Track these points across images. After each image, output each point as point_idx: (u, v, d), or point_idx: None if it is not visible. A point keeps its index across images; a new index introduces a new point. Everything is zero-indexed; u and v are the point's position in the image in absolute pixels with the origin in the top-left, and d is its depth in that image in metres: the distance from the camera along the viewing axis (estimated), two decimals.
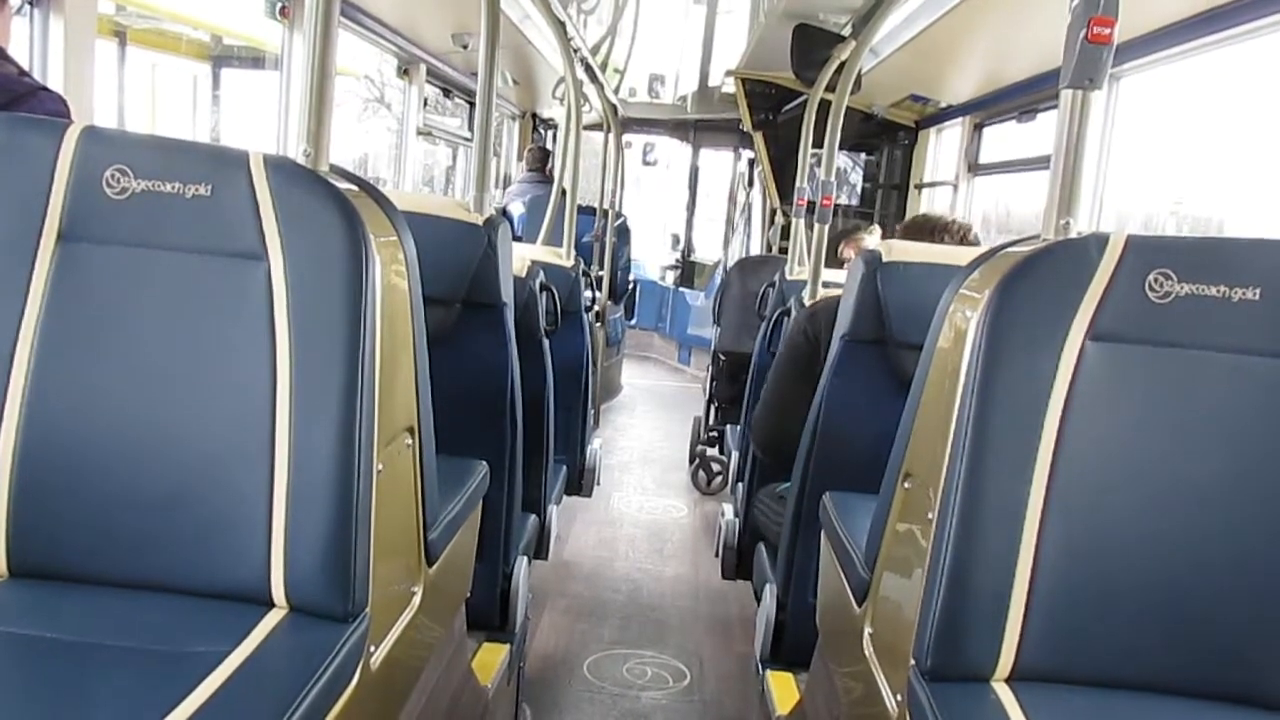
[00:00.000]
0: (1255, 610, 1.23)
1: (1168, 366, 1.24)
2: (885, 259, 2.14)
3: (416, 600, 1.53)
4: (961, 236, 2.49)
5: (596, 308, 5.64)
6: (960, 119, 5.17)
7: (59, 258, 1.29)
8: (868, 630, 1.51)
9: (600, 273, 6.02)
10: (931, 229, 2.51)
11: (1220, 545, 1.23)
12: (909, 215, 5.63)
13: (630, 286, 7.20)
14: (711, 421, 5.35)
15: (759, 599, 2.49)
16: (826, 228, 3.14)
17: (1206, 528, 1.24)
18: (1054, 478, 1.23)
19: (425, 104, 5.31)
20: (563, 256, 3.78)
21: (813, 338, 2.45)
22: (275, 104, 3.66)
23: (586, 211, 5.95)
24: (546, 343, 2.83)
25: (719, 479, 5.28)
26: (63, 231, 1.29)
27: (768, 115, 6.28)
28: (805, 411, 2.31)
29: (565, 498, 3.61)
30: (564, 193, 4.54)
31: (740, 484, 3.41)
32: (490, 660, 2.26)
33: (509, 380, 2.26)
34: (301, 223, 1.27)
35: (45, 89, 1.76)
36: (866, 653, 1.49)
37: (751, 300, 4.53)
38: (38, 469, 1.27)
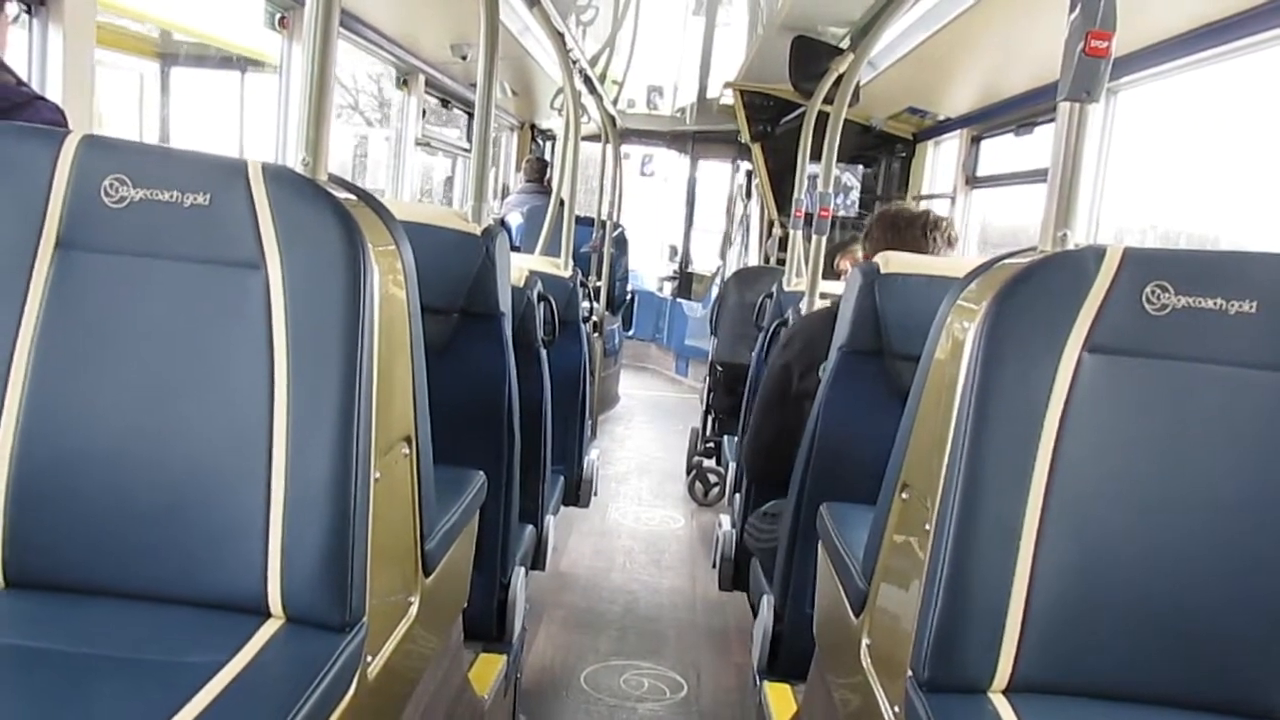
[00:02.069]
0: (1252, 622, 1.23)
1: (1164, 378, 1.24)
2: (883, 271, 2.14)
3: (414, 610, 1.53)
4: (927, 227, 2.44)
5: (594, 318, 5.64)
6: (958, 132, 5.18)
7: (57, 266, 1.29)
8: (865, 641, 1.51)
9: (598, 283, 6.03)
10: (904, 224, 2.47)
11: (1217, 557, 1.23)
12: None
13: (628, 297, 7.21)
14: (709, 432, 5.35)
15: (755, 610, 2.48)
16: (824, 239, 3.15)
17: (1204, 539, 1.24)
18: (1051, 489, 1.23)
19: (424, 115, 5.32)
20: (561, 267, 3.78)
21: (788, 362, 2.46)
22: (231, 105, 3.60)
23: (585, 222, 5.95)
24: (544, 353, 2.83)
25: (716, 490, 5.28)
26: (61, 240, 1.29)
27: (766, 127, 6.29)
28: (790, 438, 2.33)
29: (562, 508, 3.60)
30: (562, 203, 4.54)
31: (737, 495, 3.41)
32: (487, 671, 2.26)
33: (506, 390, 2.26)
34: (300, 232, 1.27)
35: (42, 98, 1.76)
36: (864, 664, 1.49)
37: (748, 311, 4.53)
38: (34, 479, 1.27)
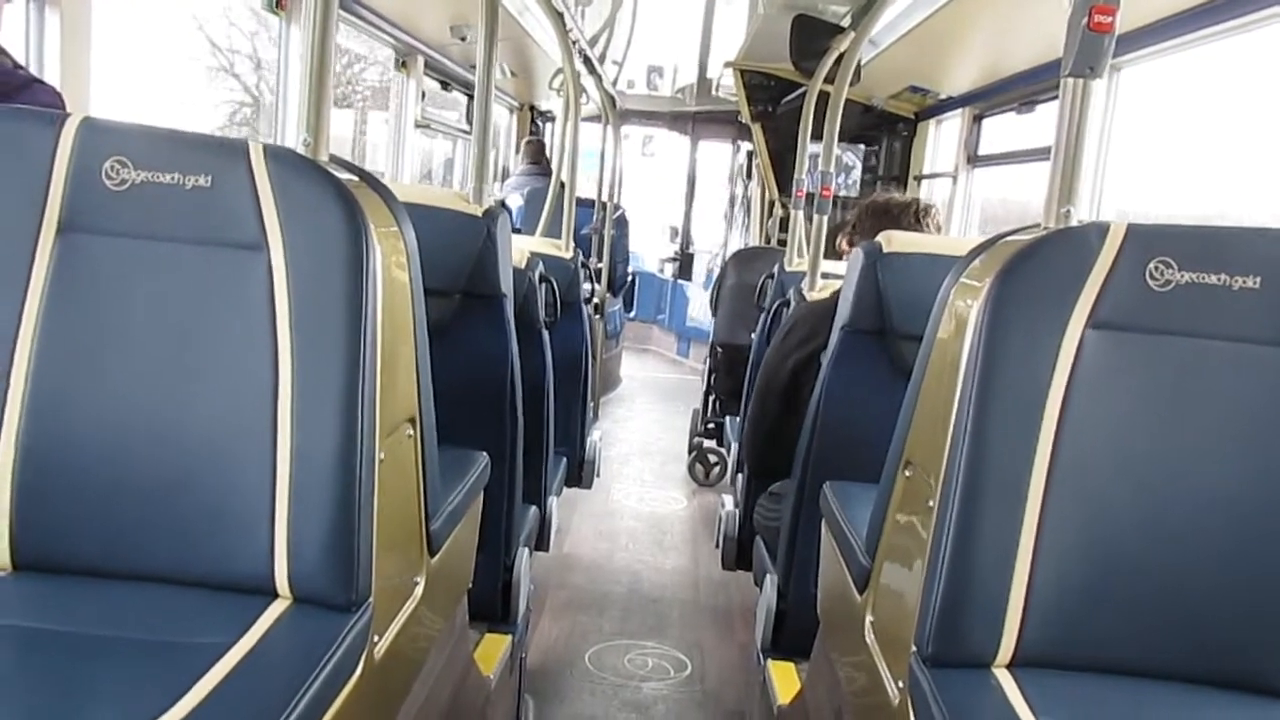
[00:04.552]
0: (1254, 597, 1.24)
1: (1168, 354, 1.25)
2: (885, 250, 2.14)
3: (419, 591, 1.54)
4: (918, 213, 2.53)
5: (596, 300, 5.63)
6: (960, 110, 5.16)
7: (59, 250, 1.28)
8: (869, 618, 1.52)
9: (599, 265, 6.02)
10: (897, 211, 2.54)
11: (1219, 532, 1.24)
12: None
13: (629, 279, 7.19)
14: (710, 413, 5.35)
15: (759, 589, 2.49)
16: (825, 219, 3.14)
17: (1206, 515, 1.24)
18: (1054, 466, 1.23)
19: (423, 97, 5.30)
20: (562, 248, 3.78)
21: (788, 353, 2.47)
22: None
23: (585, 204, 5.94)
24: (546, 334, 2.83)
25: (717, 470, 5.29)
26: (63, 223, 1.29)
27: (766, 107, 6.26)
28: (790, 429, 2.35)
29: (565, 489, 3.61)
30: (562, 185, 4.53)
31: (739, 475, 3.41)
32: (492, 651, 2.27)
33: (509, 371, 2.26)
34: (302, 213, 1.27)
35: (40, 81, 1.76)
36: (868, 640, 1.50)
37: (747, 292, 4.52)
38: (41, 462, 1.27)
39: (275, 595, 1.26)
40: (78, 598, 1.23)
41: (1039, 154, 4.14)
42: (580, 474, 3.79)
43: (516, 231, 4.47)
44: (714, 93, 7.88)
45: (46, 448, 1.27)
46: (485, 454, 1.94)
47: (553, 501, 3.04)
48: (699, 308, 8.86)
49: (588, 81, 5.64)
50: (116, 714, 1.01)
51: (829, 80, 3.62)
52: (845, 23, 4.00)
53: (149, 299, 1.28)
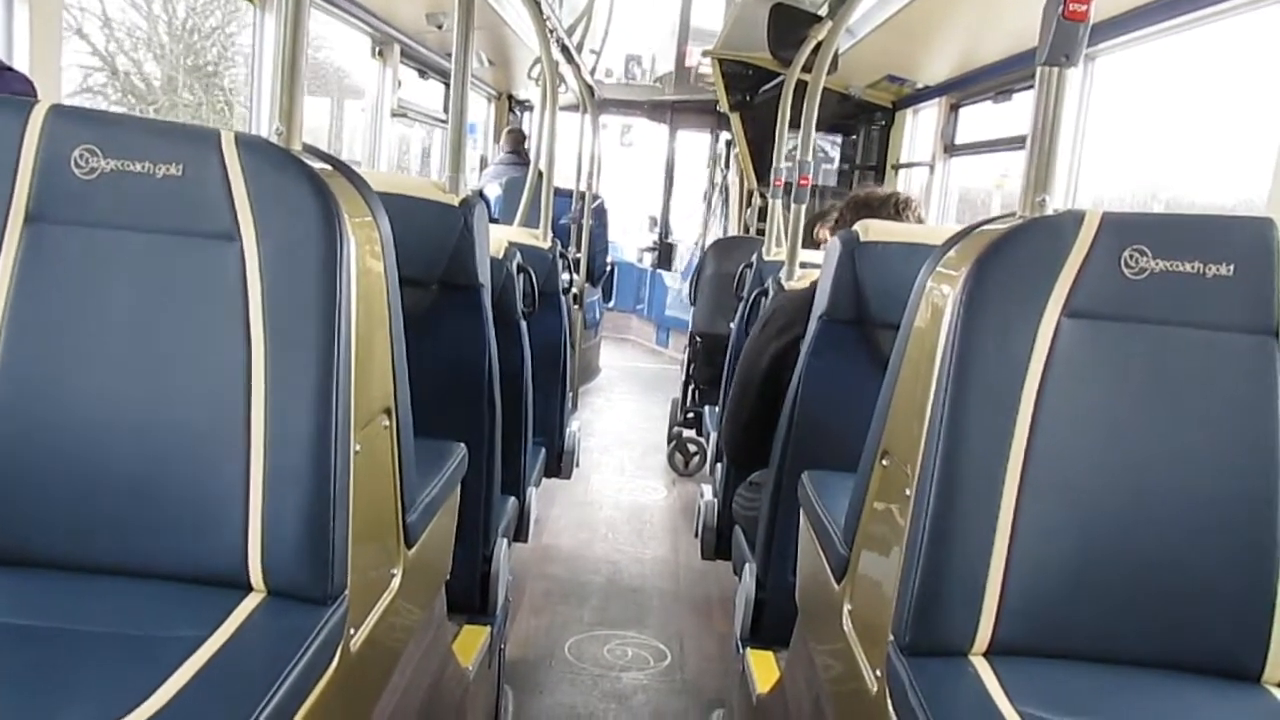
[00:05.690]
0: (1229, 583, 1.25)
1: (1142, 342, 1.25)
2: (862, 239, 2.14)
3: (396, 583, 1.53)
4: (898, 205, 2.56)
5: (574, 290, 5.62)
6: (937, 100, 5.18)
7: (27, 240, 1.26)
8: (847, 607, 1.52)
9: (577, 255, 6.00)
10: (877, 204, 2.57)
11: (1195, 519, 1.25)
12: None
13: (608, 268, 7.18)
14: (689, 403, 5.35)
15: (739, 578, 2.50)
16: (804, 208, 3.15)
17: (1181, 502, 1.25)
18: (1030, 454, 1.23)
19: (399, 85, 5.27)
20: (540, 238, 3.76)
21: (765, 343, 2.48)
22: None
23: (563, 193, 5.92)
24: (524, 324, 2.82)
25: (696, 459, 5.29)
26: (30, 213, 1.27)
27: (745, 96, 6.26)
28: (768, 419, 2.36)
29: (544, 480, 3.61)
30: (540, 174, 4.51)
31: (719, 465, 3.42)
32: (471, 643, 2.26)
33: (487, 362, 2.25)
34: (275, 203, 1.26)
35: (10, 69, 1.74)
36: (846, 629, 1.50)
37: (726, 281, 4.52)
38: (11, 455, 1.25)
39: (249, 589, 1.25)
40: (48, 592, 1.22)
41: (1015, 143, 4.15)
42: (559, 464, 3.78)
43: (494, 221, 4.46)
44: (692, 82, 7.86)
45: (16, 440, 1.25)
46: (463, 445, 1.93)
47: (531, 492, 3.03)
48: (677, 297, 8.87)
49: (566, 70, 5.61)
50: (89, 709, 0.99)
51: (807, 69, 3.62)
52: (823, 12, 3.98)
53: (119, 290, 1.26)
